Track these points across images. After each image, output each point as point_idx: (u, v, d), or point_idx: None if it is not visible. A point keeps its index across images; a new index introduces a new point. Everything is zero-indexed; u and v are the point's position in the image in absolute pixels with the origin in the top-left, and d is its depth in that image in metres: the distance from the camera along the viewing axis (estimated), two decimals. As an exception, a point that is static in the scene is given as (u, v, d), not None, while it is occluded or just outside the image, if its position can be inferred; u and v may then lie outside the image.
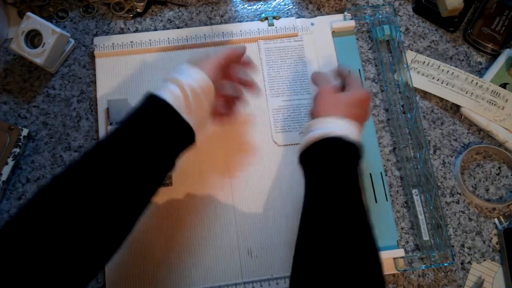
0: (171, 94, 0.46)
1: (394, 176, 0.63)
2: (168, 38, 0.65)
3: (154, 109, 0.46)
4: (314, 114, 0.53)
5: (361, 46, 0.69)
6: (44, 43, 0.60)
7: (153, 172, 0.45)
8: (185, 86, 0.47)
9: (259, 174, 0.61)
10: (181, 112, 0.46)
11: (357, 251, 0.43)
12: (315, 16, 0.70)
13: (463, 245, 0.61)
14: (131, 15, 0.68)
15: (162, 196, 0.59)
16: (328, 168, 0.47)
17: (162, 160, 0.46)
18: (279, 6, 0.70)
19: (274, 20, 0.68)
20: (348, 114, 0.50)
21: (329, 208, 0.45)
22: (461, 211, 0.63)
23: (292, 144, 0.62)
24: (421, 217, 0.61)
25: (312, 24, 0.69)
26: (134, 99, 0.63)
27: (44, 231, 0.38)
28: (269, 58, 0.66)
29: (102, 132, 0.62)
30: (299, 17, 0.69)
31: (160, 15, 0.69)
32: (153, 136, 0.45)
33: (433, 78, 0.67)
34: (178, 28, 0.68)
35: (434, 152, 0.65)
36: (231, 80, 0.54)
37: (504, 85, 0.67)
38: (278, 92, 0.64)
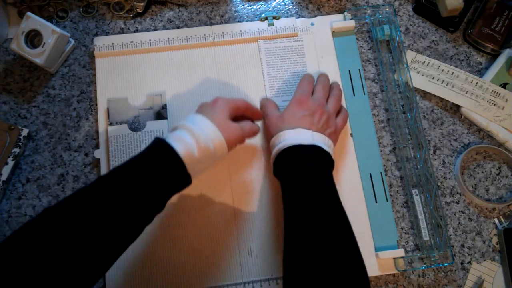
0: (185, 148, 0.47)
1: (394, 176, 0.63)
2: (168, 38, 0.65)
3: (163, 157, 0.46)
4: (270, 133, 0.56)
5: (361, 46, 0.69)
6: (44, 43, 0.60)
7: (143, 213, 0.45)
8: (202, 144, 0.48)
9: (260, 174, 0.61)
10: (188, 168, 0.47)
11: (341, 254, 0.45)
12: (315, 16, 0.70)
13: (463, 245, 0.61)
14: (131, 15, 0.68)
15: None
16: (298, 176, 0.50)
17: (155, 204, 0.46)
18: (279, 6, 0.70)
19: (274, 20, 0.68)
20: (301, 124, 0.53)
21: (309, 217, 0.47)
22: (461, 211, 0.63)
23: None
24: (421, 217, 0.61)
25: (312, 24, 0.69)
26: (134, 99, 0.63)
27: (27, 260, 0.38)
28: (269, 58, 0.66)
29: (102, 132, 0.62)
30: (299, 17, 0.69)
31: (160, 15, 0.69)
32: (152, 183, 0.45)
33: (433, 78, 0.67)
34: (178, 28, 0.68)
35: (434, 152, 0.65)
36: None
37: (504, 85, 0.67)
38: (278, 92, 0.64)
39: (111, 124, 0.61)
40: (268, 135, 0.57)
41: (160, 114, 0.62)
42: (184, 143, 0.47)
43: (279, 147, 0.52)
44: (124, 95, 0.63)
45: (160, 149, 0.47)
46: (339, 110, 0.59)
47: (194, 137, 0.48)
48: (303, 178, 0.49)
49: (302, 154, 0.50)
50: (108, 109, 0.62)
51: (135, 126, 0.61)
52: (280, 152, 0.52)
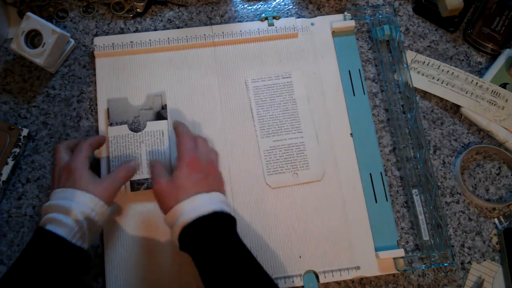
0: (64, 227, 0.46)
1: (394, 176, 0.63)
2: (168, 38, 0.65)
3: (51, 247, 0.46)
4: (164, 207, 0.50)
5: (361, 46, 0.69)
6: (44, 43, 0.60)
7: None
8: (78, 217, 0.47)
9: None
10: (75, 242, 0.46)
11: None
12: (315, 16, 0.70)
13: (463, 245, 0.61)
14: (131, 15, 0.68)
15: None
16: (207, 252, 0.47)
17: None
18: (279, 6, 0.70)
19: (274, 20, 0.68)
20: (197, 189, 0.49)
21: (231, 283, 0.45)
22: (461, 211, 0.63)
23: (286, 186, 0.61)
24: (421, 217, 0.61)
25: (312, 24, 0.69)
26: (134, 99, 0.63)
27: None
28: (257, 97, 0.64)
29: (102, 132, 0.61)
30: (299, 17, 0.69)
31: (160, 15, 0.69)
32: (49, 271, 0.45)
33: (433, 78, 0.67)
34: (178, 28, 0.68)
35: (434, 152, 0.65)
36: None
37: (504, 85, 0.67)
38: (268, 132, 0.63)
39: (111, 124, 0.61)
40: (161, 204, 0.51)
41: (160, 114, 0.62)
42: (61, 224, 0.46)
43: (179, 223, 0.47)
44: (124, 95, 0.63)
45: (46, 241, 0.46)
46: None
47: (67, 213, 0.47)
48: (211, 251, 0.47)
49: (204, 228, 0.47)
50: (108, 109, 0.62)
51: (135, 126, 0.61)
52: (181, 230, 0.47)
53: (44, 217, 0.48)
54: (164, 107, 0.62)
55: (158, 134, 0.60)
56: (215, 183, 0.52)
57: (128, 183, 0.58)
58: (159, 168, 0.52)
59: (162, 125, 0.61)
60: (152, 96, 0.63)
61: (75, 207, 0.47)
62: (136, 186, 0.58)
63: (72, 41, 0.66)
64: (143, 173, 0.59)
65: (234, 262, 0.46)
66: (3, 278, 0.45)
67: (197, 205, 0.48)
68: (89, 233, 0.48)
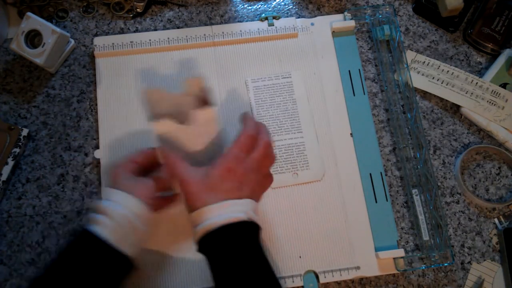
0: (106, 229, 0.45)
1: (394, 176, 0.63)
2: (168, 38, 0.65)
3: (90, 247, 0.45)
4: (190, 206, 0.47)
5: (361, 46, 0.69)
6: (44, 43, 0.60)
7: None
8: (119, 219, 0.46)
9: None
10: (118, 246, 0.45)
11: None
12: (315, 16, 0.70)
13: (463, 245, 0.61)
14: (131, 15, 0.68)
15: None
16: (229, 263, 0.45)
17: None
18: (279, 6, 0.70)
19: (274, 20, 0.68)
20: (228, 196, 0.46)
21: None
22: (461, 211, 0.63)
23: (286, 186, 0.61)
24: (421, 217, 0.61)
25: (312, 24, 0.69)
26: (134, 99, 0.63)
27: None
28: (257, 97, 0.64)
29: (102, 132, 0.61)
30: (299, 17, 0.69)
31: (160, 15, 0.69)
32: (91, 275, 0.44)
33: (433, 78, 0.67)
34: (178, 28, 0.68)
35: (434, 152, 0.65)
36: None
37: (504, 85, 0.67)
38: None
39: (152, 119, 0.51)
40: (187, 201, 0.47)
41: (203, 99, 0.52)
42: (101, 224, 0.46)
43: (204, 226, 0.45)
44: (124, 95, 0.63)
45: (85, 241, 0.45)
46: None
47: (106, 214, 0.46)
48: (230, 261, 0.45)
49: (227, 237, 0.45)
50: (146, 101, 0.51)
51: (179, 117, 0.51)
52: (205, 234, 0.45)
53: (89, 216, 0.47)
54: (203, 91, 0.53)
55: (209, 124, 0.52)
56: (249, 190, 0.48)
57: None
58: (183, 165, 0.48)
59: (210, 113, 0.52)
60: (191, 80, 0.53)
61: (115, 208, 0.46)
62: None
63: (72, 41, 0.66)
64: None
65: (251, 275, 0.45)
66: (42, 274, 0.45)
67: (224, 212, 0.45)
68: (133, 236, 0.47)
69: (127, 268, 0.47)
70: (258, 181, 0.49)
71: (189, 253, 0.57)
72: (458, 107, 0.67)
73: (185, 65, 0.65)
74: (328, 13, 0.70)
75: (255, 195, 0.49)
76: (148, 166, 0.53)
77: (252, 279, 0.44)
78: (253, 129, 0.49)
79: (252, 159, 0.48)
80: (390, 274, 0.59)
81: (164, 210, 0.54)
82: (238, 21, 0.69)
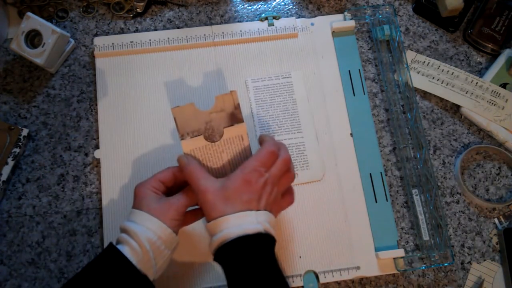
0: (131, 249, 0.45)
1: (394, 176, 0.63)
2: (168, 38, 0.65)
3: (114, 264, 0.45)
4: (207, 215, 0.47)
5: (361, 46, 0.69)
6: (44, 43, 0.60)
7: None
8: (143, 241, 0.45)
9: None
10: (140, 268, 0.45)
11: None
12: (315, 16, 0.70)
13: (463, 245, 0.61)
14: (131, 15, 0.68)
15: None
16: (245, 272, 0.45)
17: None
18: (279, 6, 0.70)
19: (274, 20, 0.68)
20: (246, 207, 0.46)
21: None
22: (461, 211, 0.63)
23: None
24: (421, 217, 0.61)
25: (312, 24, 0.69)
26: (134, 99, 0.63)
27: None
28: (257, 97, 0.64)
29: (102, 132, 0.61)
30: (299, 17, 0.69)
31: (160, 15, 0.69)
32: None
33: (433, 78, 0.67)
34: (178, 28, 0.68)
35: (434, 152, 0.65)
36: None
37: (504, 85, 0.67)
38: (268, 132, 0.63)
39: (182, 137, 0.49)
40: (205, 211, 0.47)
41: (235, 115, 0.51)
42: (127, 244, 0.46)
43: (221, 237, 0.45)
44: (124, 95, 0.63)
45: (111, 258, 0.46)
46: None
47: (133, 237, 0.46)
48: (246, 272, 0.45)
49: (244, 248, 0.45)
50: (175, 119, 0.49)
51: (209, 134, 0.50)
52: (222, 244, 0.45)
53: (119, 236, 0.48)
54: (237, 107, 0.51)
55: (237, 140, 0.51)
56: (266, 203, 0.48)
57: None
58: (201, 173, 0.48)
59: (240, 129, 0.51)
60: (221, 96, 0.51)
61: (138, 229, 0.46)
62: None
63: (72, 41, 0.66)
64: None
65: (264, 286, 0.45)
66: (65, 285, 0.45)
67: (241, 223, 0.45)
68: (157, 259, 0.47)
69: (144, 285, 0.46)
70: (276, 196, 0.49)
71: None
72: (458, 107, 0.67)
73: (185, 65, 0.65)
74: (328, 13, 0.70)
75: (273, 209, 0.49)
76: (175, 183, 0.52)
77: None
78: (273, 145, 0.49)
79: (271, 173, 0.48)
80: (390, 274, 0.59)
81: (193, 222, 0.53)
82: (238, 21, 0.69)
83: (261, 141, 0.51)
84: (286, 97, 0.64)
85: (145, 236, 0.46)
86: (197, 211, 0.53)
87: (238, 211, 0.46)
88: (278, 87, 0.65)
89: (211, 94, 0.64)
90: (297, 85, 0.65)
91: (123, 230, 0.47)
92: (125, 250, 0.45)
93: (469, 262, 0.61)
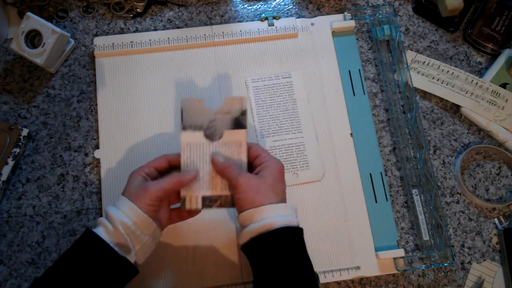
0: (106, 231, 0.46)
1: (394, 176, 0.63)
2: (168, 38, 0.65)
3: (90, 245, 0.46)
4: (242, 205, 0.48)
5: (361, 46, 0.69)
6: (44, 43, 0.60)
7: None
8: (117, 224, 0.46)
9: None
10: (119, 250, 0.46)
11: None
12: (315, 16, 0.70)
13: (463, 245, 0.61)
14: (131, 15, 0.68)
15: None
16: (276, 266, 0.46)
17: None
18: (279, 6, 0.70)
19: (274, 20, 0.68)
20: (278, 194, 0.48)
21: None
22: (461, 211, 0.63)
23: (286, 186, 0.60)
24: (421, 217, 0.61)
25: (312, 24, 0.69)
26: (134, 99, 0.63)
27: None
28: (257, 97, 0.64)
29: (102, 132, 0.61)
30: (299, 17, 0.69)
31: (160, 15, 0.69)
32: (91, 275, 0.45)
33: (433, 78, 0.67)
34: (178, 28, 0.68)
35: (434, 152, 0.65)
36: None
37: (504, 85, 0.67)
38: (268, 132, 0.63)
39: (184, 128, 0.51)
40: (244, 202, 0.47)
41: (239, 121, 0.52)
42: (104, 227, 0.47)
43: (263, 225, 0.46)
44: (124, 95, 0.63)
45: (87, 238, 0.46)
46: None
47: (109, 219, 0.47)
48: (277, 264, 0.45)
49: (290, 239, 0.46)
50: (182, 109, 0.51)
51: (210, 132, 0.52)
52: (265, 231, 0.45)
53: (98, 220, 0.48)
54: (243, 113, 0.52)
55: (235, 145, 0.51)
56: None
57: (199, 198, 0.51)
58: (234, 165, 0.50)
59: (241, 135, 0.51)
60: (231, 98, 0.52)
61: (114, 213, 0.47)
62: (207, 202, 0.51)
63: (72, 41, 0.66)
64: (216, 189, 0.51)
65: (295, 280, 0.45)
66: (45, 273, 0.46)
67: (284, 214, 0.47)
68: (133, 242, 0.47)
69: (127, 271, 0.47)
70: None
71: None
72: (458, 107, 0.67)
73: (185, 65, 0.65)
74: (328, 13, 0.70)
75: None
76: (167, 171, 0.52)
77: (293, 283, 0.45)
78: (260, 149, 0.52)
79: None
80: (390, 274, 0.59)
81: (177, 222, 0.53)
82: (238, 21, 0.69)
83: (248, 148, 0.52)
84: (286, 97, 0.64)
85: (119, 220, 0.46)
86: (182, 212, 0.53)
87: (274, 202, 0.47)
88: (278, 87, 0.65)
89: (211, 94, 0.64)
90: (297, 85, 0.65)
91: (105, 214, 0.48)
92: (99, 231, 0.46)
93: (469, 262, 0.61)
